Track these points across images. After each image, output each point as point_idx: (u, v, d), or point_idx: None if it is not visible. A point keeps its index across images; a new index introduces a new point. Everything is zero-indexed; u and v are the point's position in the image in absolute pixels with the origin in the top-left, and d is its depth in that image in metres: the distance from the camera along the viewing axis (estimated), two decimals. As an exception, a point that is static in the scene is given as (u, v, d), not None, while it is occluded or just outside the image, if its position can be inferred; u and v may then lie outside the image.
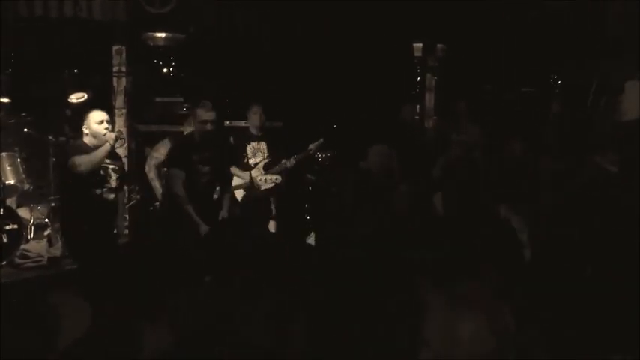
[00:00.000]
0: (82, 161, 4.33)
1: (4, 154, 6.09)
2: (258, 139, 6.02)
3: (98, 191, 4.50)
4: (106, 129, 4.49)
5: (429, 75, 7.45)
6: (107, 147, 4.43)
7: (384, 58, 7.70)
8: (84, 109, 5.72)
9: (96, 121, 4.49)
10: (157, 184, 5.95)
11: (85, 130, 4.51)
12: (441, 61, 7.52)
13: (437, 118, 7.48)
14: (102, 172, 4.51)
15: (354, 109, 7.83)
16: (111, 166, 4.59)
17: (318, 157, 7.06)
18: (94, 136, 4.46)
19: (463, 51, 7.58)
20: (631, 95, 5.67)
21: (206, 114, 4.78)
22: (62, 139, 6.25)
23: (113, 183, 4.59)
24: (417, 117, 7.43)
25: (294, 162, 5.96)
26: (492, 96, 7.90)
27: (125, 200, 6.27)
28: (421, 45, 7.50)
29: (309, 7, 6.71)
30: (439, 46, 7.52)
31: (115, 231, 4.79)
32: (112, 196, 4.60)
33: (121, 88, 5.90)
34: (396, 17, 6.99)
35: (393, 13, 6.94)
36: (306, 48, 7.51)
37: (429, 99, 7.43)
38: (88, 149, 4.47)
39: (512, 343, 1.34)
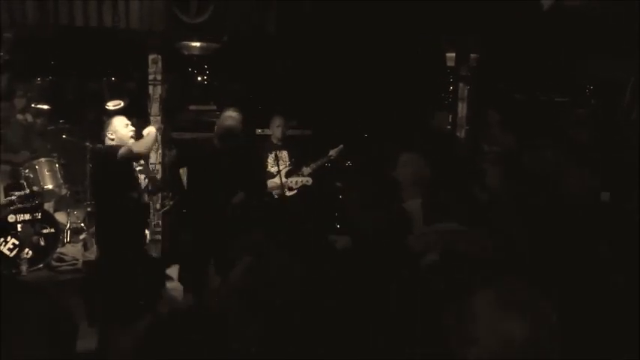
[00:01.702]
0: (137, 145, 4.52)
1: (43, 160, 6.25)
2: (280, 148, 6.10)
3: (134, 194, 4.62)
4: (132, 131, 4.66)
5: (461, 84, 7.42)
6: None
7: (417, 67, 7.70)
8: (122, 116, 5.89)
9: (122, 125, 4.63)
10: None
11: (111, 136, 4.63)
12: (473, 71, 7.48)
13: (469, 127, 7.44)
14: (135, 175, 4.65)
15: (386, 118, 7.83)
16: (139, 168, 4.75)
17: (348, 164, 7.11)
18: (121, 139, 4.58)
19: (496, 60, 7.53)
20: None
21: (228, 118, 4.92)
22: (99, 145, 6.40)
23: (142, 184, 4.72)
24: (449, 126, 7.41)
25: (314, 167, 6.08)
26: (525, 104, 7.82)
27: (158, 206, 6.40)
28: (454, 55, 7.48)
29: (344, 15, 6.74)
30: (472, 55, 7.49)
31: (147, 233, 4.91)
32: (146, 198, 4.73)
33: (157, 96, 6.00)
34: (429, 26, 6.98)
35: (427, 21, 6.93)
36: (340, 55, 7.55)
37: (462, 108, 7.39)
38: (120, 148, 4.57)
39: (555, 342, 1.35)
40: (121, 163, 4.45)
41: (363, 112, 7.96)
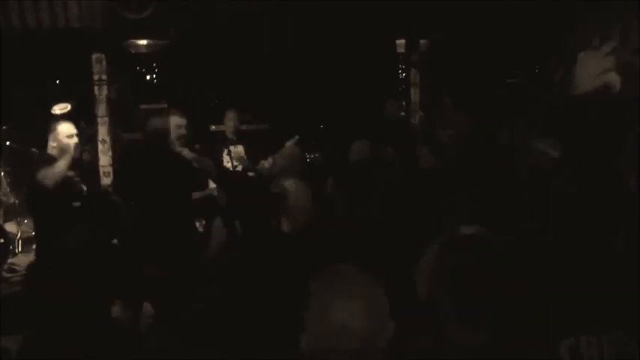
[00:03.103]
0: (46, 175, 4.22)
1: (-14, 168, 6.03)
2: (234, 143, 6.03)
3: (75, 204, 4.41)
4: (72, 143, 4.39)
5: (413, 70, 7.45)
6: (68, 158, 4.31)
7: (367, 55, 7.69)
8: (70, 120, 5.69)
9: (66, 134, 4.41)
10: None
11: (52, 143, 4.42)
12: (424, 56, 7.52)
13: (422, 113, 7.48)
14: (72, 187, 4.43)
15: (339, 108, 7.81)
16: (77, 178, 4.52)
17: (307, 158, 7.07)
18: (62, 148, 4.38)
19: (446, 45, 7.57)
20: (584, 67, 5.63)
21: (177, 119, 4.77)
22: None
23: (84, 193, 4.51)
24: (402, 113, 7.43)
25: (272, 161, 5.99)
26: (478, 87, 7.90)
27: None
28: (404, 41, 7.50)
29: (291, 5, 6.68)
30: (422, 41, 7.52)
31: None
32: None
33: (102, 96, 5.85)
34: (378, 13, 6.98)
35: (376, 9, 6.92)
36: (290, 47, 7.49)
37: (414, 94, 7.42)
38: (52, 161, 4.35)
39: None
40: (48, 186, 4.23)
41: (318, 103, 7.94)
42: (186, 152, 4.72)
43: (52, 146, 4.43)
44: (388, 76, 7.90)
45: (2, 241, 5.76)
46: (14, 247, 6.14)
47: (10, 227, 6.32)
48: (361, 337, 1.28)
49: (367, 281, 1.36)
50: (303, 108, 7.87)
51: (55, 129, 4.47)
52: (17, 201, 6.42)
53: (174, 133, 4.75)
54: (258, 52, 7.60)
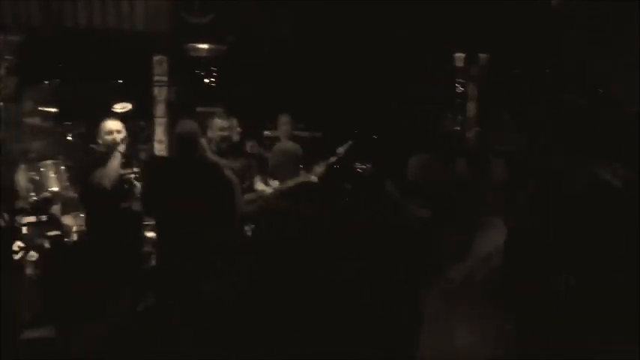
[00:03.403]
0: (101, 175, 4.29)
1: (48, 162, 6.23)
2: None
3: (124, 204, 4.46)
4: (117, 139, 4.43)
5: (471, 85, 7.32)
6: (117, 156, 4.35)
7: (425, 68, 7.61)
8: (130, 119, 5.84)
9: (105, 131, 4.49)
10: None
11: (99, 139, 4.53)
12: (483, 71, 7.39)
13: (478, 128, 7.34)
14: (125, 185, 4.49)
15: (394, 120, 7.75)
16: (132, 175, 4.56)
17: (357, 168, 7.04)
18: (106, 145, 4.46)
19: (507, 60, 7.42)
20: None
21: (220, 122, 4.78)
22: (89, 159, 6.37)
23: (138, 191, 4.53)
24: (458, 127, 7.31)
25: (324, 166, 5.98)
26: (536, 105, 7.69)
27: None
28: (463, 55, 7.40)
29: (351, 15, 6.68)
30: (481, 55, 7.39)
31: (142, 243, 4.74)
32: (139, 205, 4.54)
33: (162, 97, 5.97)
34: (438, 27, 6.91)
35: (436, 22, 6.85)
36: (348, 57, 7.48)
37: (471, 109, 7.29)
38: (102, 158, 4.43)
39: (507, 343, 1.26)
40: (101, 189, 4.29)
41: (373, 113, 7.89)
42: (222, 161, 4.67)
43: (99, 142, 4.55)
44: (445, 90, 7.80)
45: (59, 233, 5.95)
46: (70, 240, 6.31)
47: (67, 220, 6.50)
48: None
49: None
50: (357, 117, 7.85)
51: (101, 125, 4.57)
52: (76, 195, 6.61)
53: (216, 136, 4.77)
54: (313, 60, 7.62)
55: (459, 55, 7.49)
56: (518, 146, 6.04)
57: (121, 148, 4.40)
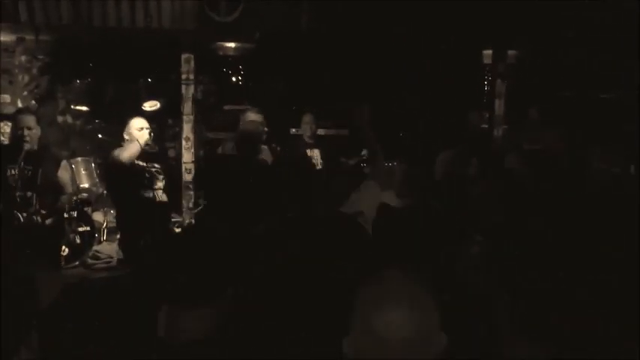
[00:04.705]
0: (119, 152, 4.56)
1: (79, 159, 6.37)
2: (312, 147, 6.06)
3: (148, 193, 4.63)
4: (144, 135, 4.67)
5: (499, 81, 7.22)
6: (138, 144, 4.62)
7: (452, 65, 7.55)
8: (158, 117, 5.95)
9: (136, 127, 4.68)
10: None
11: (126, 136, 4.70)
12: (512, 68, 7.28)
13: (506, 126, 7.24)
14: (147, 175, 4.66)
15: (420, 117, 7.71)
16: (154, 169, 4.74)
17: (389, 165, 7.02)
18: (133, 141, 4.63)
19: (536, 56, 7.31)
20: None
21: (249, 122, 4.86)
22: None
23: (161, 184, 4.73)
24: (485, 125, 7.23)
25: (353, 164, 6.04)
26: (571, 102, 7.55)
27: (191, 205, 6.45)
28: (491, 51, 7.31)
29: (376, 11, 6.66)
30: (510, 52, 7.29)
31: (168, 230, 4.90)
32: (164, 197, 4.74)
33: (189, 95, 6.04)
34: (466, 23, 6.84)
35: (464, 18, 6.78)
36: (375, 53, 7.47)
37: (499, 106, 7.19)
38: None
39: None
40: (120, 166, 4.48)
41: (399, 111, 7.86)
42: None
43: (125, 138, 4.71)
44: (473, 87, 7.72)
45: (89, 228, 6.07)
46: (99, 236, 6.43)
47: (97, 216, 6.63)
48: (407, 349, 1.21)
49: (416, 288, 1.28)
50: (383, 116, 7.82)
51: (128, 122, 4.76)
52: (105, 192, 6.74)
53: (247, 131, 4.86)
54: (340, 57, 7.63)
55: (487, 52, 7.40)
56: (546, 144, 5.95)
57: (143, 140, 4.58)
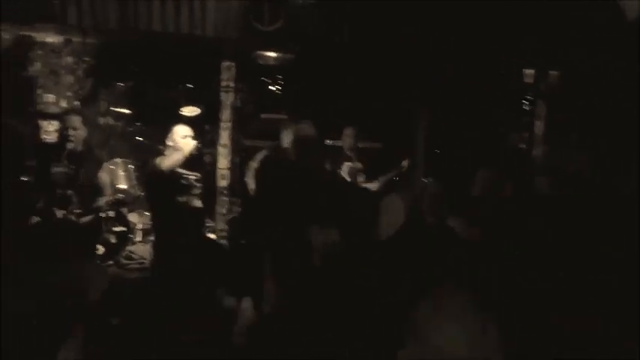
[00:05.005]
0: (162, 160, 4.59)
1: (118, 160, 6.47)
2: (351, 160, 6.09)
3: (184, 199, 4.67)
4: (189, 143, 4.70)
5: (539, 102, 7.12)
6: (182, 153, 4.64)
7: (493, 83, 7.47)
8: (196, 122, 6.02)
9: (180, 135, 4.70)
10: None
11: (170, 143, 4.72)
12: (553, 88, 7.18)
13: (546, 147, 7.13)
14: (184, 182, 4.70)
15: (458, 135, 7.64)
16: (192, 177, 4.77)
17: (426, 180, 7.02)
18: (177, 148, 4.66)
19: (578, 78, 7.18)
20: None
21: (304, 128, 4.83)
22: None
23: (197, 191, 4.76)
24: (524, 145, 7.13)
25: (387, 179, 6.06)
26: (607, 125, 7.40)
27: (225, 211, 6.50)
28: (532, 71, 7.22)
29: (418, 28, 6.65)
30: (552, 72, 7.19)
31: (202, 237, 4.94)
32: (199, 203, 4.76)
33: (228, 102, 6.10)
34: (507, 42, 6.77)
35: (505, 37, 6.72)
36: (413, 70, 7.44)
37: (538, 127, 7.09)
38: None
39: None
40: (160, 174, 4.52)
41: (437, 126, 7.81)
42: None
43: (168, 145, 4.74)
44: (512, 106, 7.62)
45: (124, 229, 6.17)
46: (134, 236, 6.53)
47: (133, 217, 6.74)
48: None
49: (476, 306, 1.25)
50: (420, 131, 7.78)
51: (172, 129, 4.78)
52: (142, 193, 6.84)
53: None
54: (378, 71, 7.62)
55: (529, 72, 7.31)
56: (584, 168, 5.83)
57: (188, 149, 4.62)
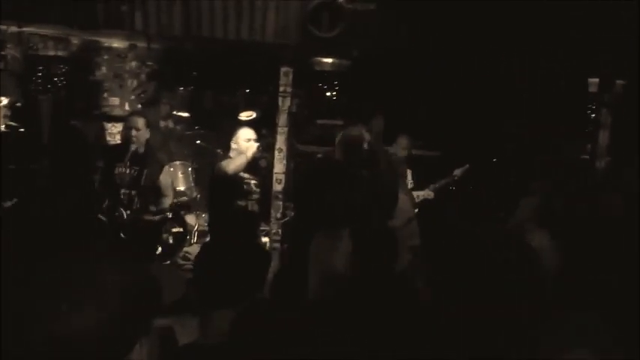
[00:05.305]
0: (227, 164, 4.71)
1: (177, 163, 6.64)
2: (404, 166, 6.07)
3: (242, 202, 4.76)
4: (253, 147, 4.85)
5: (604, 111, 6.89)
6: (245, 156, 4.77)
7: (556, 92, 7.28)
8: (253, 127, 6.09)
9: (244, 138, 4.81)
10: None
11: (234, 145, 4.84)
12: (618, 98, 6.93)
13: (610, 158, 6.89)
14: (245, 186, 4.78)
15: (517, 143, 7.48)
16: (252, 181, 4.85)
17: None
18: (241, 151, 4.76)
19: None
20: None
21: (354, 130, 4.83)
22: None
23: (256, 196, 4.84)
24: (586, 156, 6.91)
25: (437, 187, 6.01)
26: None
27: (279, 215, 6.55)
28: (597, 80, 6.99)
29: (477, 36, 6.55)
30: (618, 82, 6.94)
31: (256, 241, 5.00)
32: (256, 207, 4.85)
33: (285, 107, 6.16)
34: (572, 50, 6.59)
35: (570, 45, 6.55)
36: (473, 76, 7.33)
37: (603, 137, 6.86)
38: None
39: None
40: (224, 177, 4.61)
41: (494, 136, 7.67)
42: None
43: (232, 148, 4.84)
44: (576, 116, 7.42)
45: (181, 230, 6.31)
46: (191, 238, 6.67)
47: (190, 219, 6.89)
48: None
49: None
50: (477, 140, 7.66)
51: (236, 133, 4.89)
52: (199, 195, 6.99)
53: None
54: (437, 78, 7.55)
55: (593, 81, 7.08)
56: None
57: (251, 153, 4.72)
